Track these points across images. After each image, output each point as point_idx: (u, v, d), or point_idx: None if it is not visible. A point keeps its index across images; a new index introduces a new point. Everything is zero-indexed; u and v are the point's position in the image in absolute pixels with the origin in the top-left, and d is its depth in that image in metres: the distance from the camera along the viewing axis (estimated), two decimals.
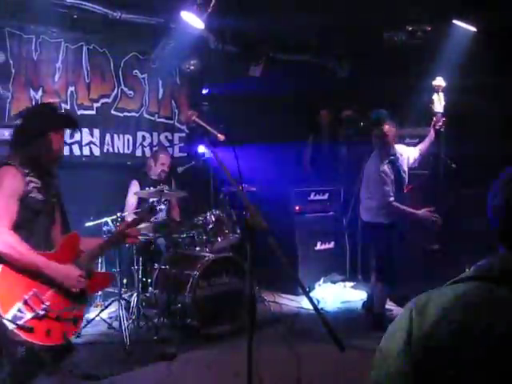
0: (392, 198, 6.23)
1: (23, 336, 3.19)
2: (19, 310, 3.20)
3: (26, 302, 3.25)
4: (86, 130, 7.48)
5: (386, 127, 6.33)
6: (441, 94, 6.07)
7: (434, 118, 6.18)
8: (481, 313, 1.31)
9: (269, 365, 4.64)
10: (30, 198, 3.44)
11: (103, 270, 6.67)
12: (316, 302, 6.87)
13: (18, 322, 3.15)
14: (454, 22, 6.90)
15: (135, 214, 4.59)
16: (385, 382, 1.40)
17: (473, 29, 6.92)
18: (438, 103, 6.08)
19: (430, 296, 1.42)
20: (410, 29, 7.44)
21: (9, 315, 3.15)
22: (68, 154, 7.26)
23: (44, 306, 3.31)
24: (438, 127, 6.17)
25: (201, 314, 6.02)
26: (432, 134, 6.30)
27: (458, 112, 6.70)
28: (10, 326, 3.15)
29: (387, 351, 1.42)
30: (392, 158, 6.39)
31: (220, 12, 6.60)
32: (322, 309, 6.75)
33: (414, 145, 6.72)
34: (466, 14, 6.73)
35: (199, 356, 5.68)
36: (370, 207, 6.45)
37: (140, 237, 5.99)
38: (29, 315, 3.23)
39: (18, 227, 3.38)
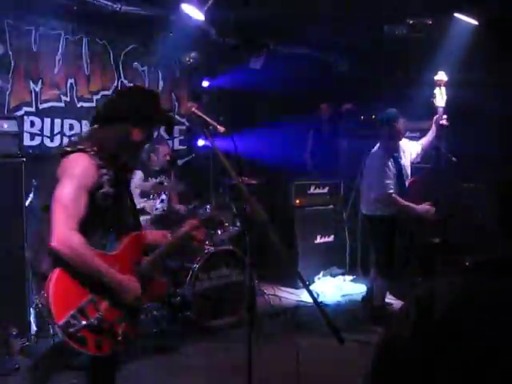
0: (392, 190, 6.25)
1: (74, 345, 2.94)
2: (73, 317, 2.92)
3: (80, 310, 2.96)
4: (85, 123, 7.45)
5: (400, 125, 6.38)
6: (443, 89, 6.01)
7: (437, 115, 6.19)
8: (488, 303, 1.31)
9: (268, 357, 4.66)
10: (100, 192, 3.08)
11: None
12: (316, 296, 6.87)
13: (71, 330, 2.89)
14: (456, 15, 6.87)
15: (200, 217, 4.12)
16: (391, 371, 1.39)
17: (474, 22, 6.88)
18: (440, 98, 6.05)
19: (434, 288, 1.41)
20: (411, 22, 7.41)
21: (62, 322, 2.89)
22: None
23: (98, 315, 3.01)
24: (440, 122, 6.17)
25: (201, 307, 6.02)
26: (434, 128, 6.30)
27: (458, 107, 6.72)
28: (62, 334, 2.92)
29: (392, 345, 1.41)
30: (396, 154, 6.43)
31: (220, 4, 6.58)
32: (321, 302, 6.75)
33: (416, 139, 6.74)
34: (467, 7, 6.69)
35: (199, 349, 5.69)
36: (370, 200, 6.47)
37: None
38: (82, 323, 2.94)
39: (83, 223, 3.01)
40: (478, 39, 6.99)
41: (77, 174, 3.01)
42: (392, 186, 6.27)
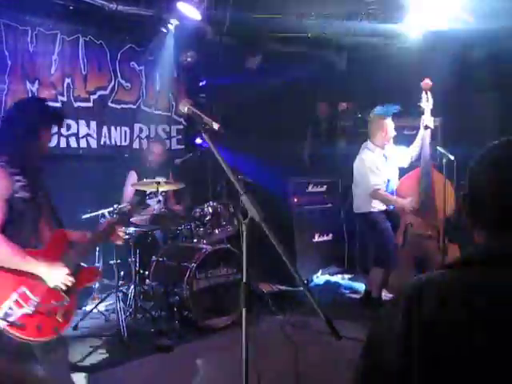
0: (378, 186, 6.49)
1: (15, 333, 3.20)
2: (9, 308, 3.21)
3: (15, 300, 3.25)
4: (82, 122, 7.45)
5: (381, 122, 6.61)
6: (429, 93, 6.41)
7: (422, 117, 6.47)
8: (479, 297, 1.30)
9: (267, 355, 4.65)
10: (16, 198, 3.36)
11: (98, 263, 6.69)
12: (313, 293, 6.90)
13: (9, 319, 3.17)
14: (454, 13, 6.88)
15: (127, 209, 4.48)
16: (379, 370, 1.38)
17: (471, 19, 6.89)
18: (426, 101, 6.42)
19: (424, 281, 1.40)
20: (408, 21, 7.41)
21: (1, 314, 3.18)
22: (65, 146, 7.26)
23: (33, 302, 3.31)
24: (424, 123, 6.46)
25: (198, 306, 6.01)
26: (422, 133, 6.47)
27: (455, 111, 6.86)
28: (1, 324, 3.16)
29: (382, 339, 1.39)
30: (384, 153, 6.67)
31: (217, 3, 6.58)
32: (319, 300, 6.76)
33: (412, 137, 6.79)
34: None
35: (196, 348, 5.68)
36: (361, 197, 6.71)
37: (129, 231, 6.08)
38: (19, 312, 3.23)
39: (5, 227, 3.31)
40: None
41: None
42: (378, 182, 6.51)
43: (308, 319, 5.93)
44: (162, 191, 6.99)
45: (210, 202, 6.72)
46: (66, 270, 3.48)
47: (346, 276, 8.34)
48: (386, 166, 6.61)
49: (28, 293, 3.31)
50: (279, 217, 7.83)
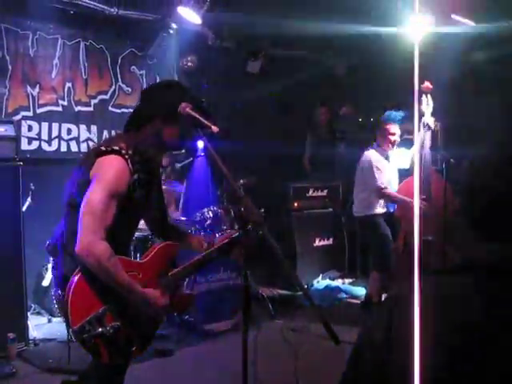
0: (384, 185, 6.53)
1: (87, 350, 2.87)
2: (89, 323, 2.83)
3: (97, 317, 2.85)
4: (83, 127, 7.45)
5: (390, 127, 6.66)
6: (429, 96, 6.40)
7: (423, 118, 6.44)
8: (471, 306, 1.28)
9: (266, 360, 4.65)
10: (131, 196, 2.96)
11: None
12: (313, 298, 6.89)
13: (85, 336, 2.81)
14: (453, 16, 6.88)
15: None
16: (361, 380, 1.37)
17: (471, 23, 6.90)
18: (426, 104, 6.40)
19: (412, 287, 1.38)
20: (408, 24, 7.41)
21: (76, 327, 2.81)
22: (66, 150, 7.27)
23: (115, 325, 2.89)
24: (427, 124, 6.43)
25: (199, 311, 6.01)
26: (422, 133, 6.49)
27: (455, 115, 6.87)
28: (76, 339, 2.87)
29: (363, 346, 1.39)
30: (388, 156, 6.73)
31: (217, 7, 6.59)
32: (319, 305, 6.76)
33: (413, 140, 6.81)
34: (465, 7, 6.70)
35: (197, 352, 5.68)
36: (363, 199, 6.73)
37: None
38: (98, 330, 2.84)
39: (112, 227, 2.87)
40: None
41: (111, 179, 2.86)
42: (384, 182, 6.55)
43: (308, 324, 5.92)
44: None
45: (211, 207, 6.71)
46: (166, 302, 3.06)
47: (347, 280, 8.33)
48: (388, 167, 6.65)
49: (113, 313, 2.91)
50: (280, 221, 7.84)
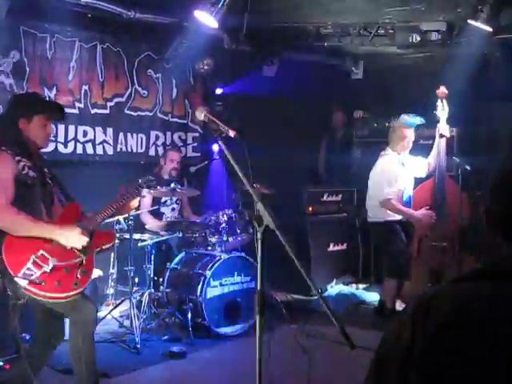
0: (390, 196, 6.43)
1: (35, 290, 3.54)
2: (28, 269, 3.54)
3: (34, 262, 3.58)
4: (99, 129, 7.49)
5: (405, 131, 6.55)
6: (444, 101, 6.41)
7: (438, 125, 6.49)
8: (494, 312, 1.26)
9: (280, 364, 4.64)
10: (22, 174, 3.68)
11: (113, 270, 6.71)
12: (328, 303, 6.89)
13: (29, 279, 3.51)
14: (470, 22, 6.84)
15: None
16: (388, 374, 1.34)
17: (489, 29, 6.85)
18: (442, 110, 6.42)
19: (432, 295, 1.36)
20: (425, 29, 7.39)
21: (20, 274, 3.51)
22: (81, 152, 7.31)
23: (51, 262, 3.64)
24: (440, 132, 6.47)
25: (212, 314, 6.02)
26: (438, 141, 6.46)
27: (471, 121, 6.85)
28: (22, 283, 3.50)
29: (385, 358, 1.35)
30: (402, 161, 6.61)
31: (234, 11, 6.59)
32: (334, 309, 6.74)
33: (428, 146, 6.78)
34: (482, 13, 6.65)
35: (210, 356, 5.68)
36: (376, 206, 6.63)
37: (143, 238, 6.29)
38: (38, 272, 3.56)
39: (16, 204, 3.62)
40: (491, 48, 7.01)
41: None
42: (391, 192, 6.46)
43: (322, 328, 5.91)
44: (177, 199, 7.01)
45: (225, 210, 6.72)
46: (80, 230, 3.78)
47: (361, 286, 8.30)
48: (403, 173, 6.57)
49: (46, 254, 3.64)
50: (294, 226, 7.83)
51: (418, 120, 6.55)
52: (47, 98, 4.45)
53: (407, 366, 1.29)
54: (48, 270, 3.60)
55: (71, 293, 3.71)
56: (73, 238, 3.75)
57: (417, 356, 1.28)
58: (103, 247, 4.14)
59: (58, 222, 3.86)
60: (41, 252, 3.63)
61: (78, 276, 3.76)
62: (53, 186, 4.00)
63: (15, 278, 3.51)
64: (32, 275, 3.53)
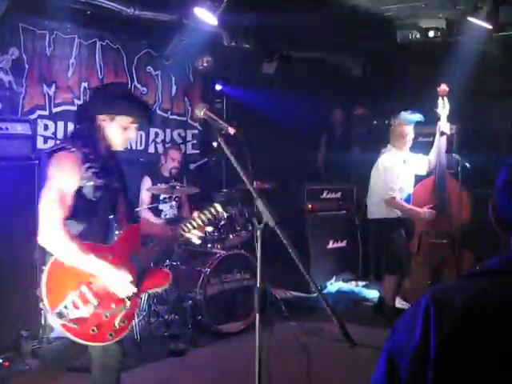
0: (394, 194, 6.42)
1: (68, 333, 3.08)
2: (65, 307, 3.04)
3: (72, 300, 3.08)
4: None
5: (405, 128, 6.55)
6: (445, 99, 6.38)
7: (439, 123, 6.46)
8: (500, 308, 1.25)
9: (280, 361, 4.64)
10: (87, 186, 3.22)
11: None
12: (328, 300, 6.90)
13: (64, 320, 3.02)
14: (469, 19, 6.85)
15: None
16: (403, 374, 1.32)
17: (489, 26, 6.85)
18: (442, 107, 6.39)
19: (446, 290, 1.35)
20: (425, 26, 7.39)
21: (56, 311, 3.02)
22: None
23: (92, 305, 3.12)
24: (440, 130, 6.44)
25: (212, 311, 6.02)
26: (438, 138, 6.46)
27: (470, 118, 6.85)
28: (56, 322, 3.05)
29: (396, 356, 1.33)
30: (404, 158, 6.58)
31: (233, 8, 6.58)
32: (333, 306, 6.74)
33: (428, 144, 6.78)
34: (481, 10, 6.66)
35: (210, 353, 5.69)
36: (376, 203, 6.64)
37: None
38: (75, 313, 3.06)
39: (75, 219, 3.19)
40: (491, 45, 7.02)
41: (59, 175, 3.17)
42: (395, 189, 6.45)
43: (321, 325, 5.91)
44: (176, 196, 7.01)
45: (225, 207, 6.70)
46: (130, 278, 3.24)
47: (360, 283, 8.31)
48: (404, 171, 6.55)
49: (87, 293, 3.13)
50: (293, 223, 7.83)
51: (418, 117, 6.53)
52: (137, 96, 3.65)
53: (422, 364, 1.27)
54: (86, 315, 3.10)
55: (104, 343, 3.24)
56: (121, 286, 3.22)
57: (432, 354, 1.26)
58: (154, 289, 3.76)
59: (113, 249, 3.33)
60: (83, 289, 3.12)
61: (116, 325, 3.23)
62: (119, 194, 3.55)
63: (50, 315, 3.04)
64: (67, 315, 3.04)
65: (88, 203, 3.25)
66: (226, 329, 6.10)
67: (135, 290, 3.28)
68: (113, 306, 3.23)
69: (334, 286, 8.07)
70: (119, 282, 3.20)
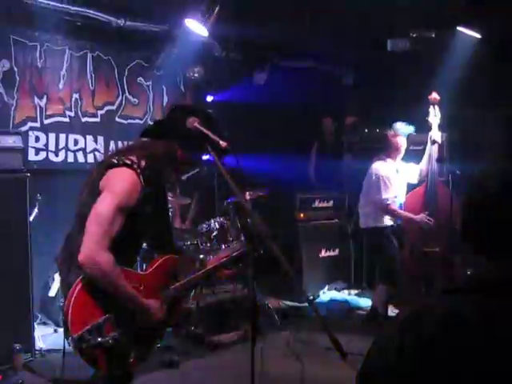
0: (389, 202, 6.46)
1: (84, 357, 2.86)
2: (88, 332, 2.81)
3: (97, 326, 2.85)
4: (90, 138, 7.47)
5: (400, 140, 6.60)
6: (436, 107, 6.42)
7: (430, 132, 6.49)
8: (477, 328, 1.26)
9: (273, 371, 4.64)
10: (138, 210, 2.98)
11: None
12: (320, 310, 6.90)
13: (84, 345, 2.80)
14: (458, 28, 6.90)
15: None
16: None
17: (477, 35, 6.91)
18: (433, 115, 6.43)
19: (421, 308, 1.36)
20: (414, 35, 7.44)
21: (76, 335, 2.80)
22: (72, 161, 7.29)
23: (114, 335, 2.88)
24: (432, 138, 6.48)
25: (205, 322, 6.01)
26: (430, 147, 6.48)
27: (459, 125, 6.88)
28: (74, 348, 2.84)
29: (374, 369, 1.35)
30: (396, 168, 6.64)
31: (224, 19, 6.61)
32: (325, 316, 6.74)
33: (419, 152, 6.80)
34: (470, 20, 6.71)
35: (203, 364, 5.67)
36: (369, 212, 6.69)
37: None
38: (96, 340, 2.82)
39: (117, 241, 2.91)
40: (480, 54, 7.06)
41: (120, 191, 2.91)
42: (389, 197, 6.47)
43: (314, 335, 5.91)
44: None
45: (217, 218, 6.72)
46: (160, 316, 3.09)
47: (353, 292, 8.31)
48: (397, 179, 6.58)
49: (112, 322, 2.90)
50: (286, 232, 7.83)
51: (411, 129, 6.60)
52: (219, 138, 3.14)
53: (399, 381, 1.28)
54: (108, 343, 2.85)
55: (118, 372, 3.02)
56: (152, 321, 3.06)
57: (407, 371, 1.27)
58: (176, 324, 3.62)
59: (148, 277, 3.15)
60: (109, 316, 2.89)
61: (131, 359, 3.02)
62: (160, 223, 3.35)
63: (70, 337, 2.82)
64: (87, 342, 2.80)
65: (135, 226, 3.02)
66: (220, 339, 6.08)
67: (161, 324, 3.19)
68: (134, 338, 3.02)
69: (326, 294, 8.08)
70: (149, 317, 3.04)
